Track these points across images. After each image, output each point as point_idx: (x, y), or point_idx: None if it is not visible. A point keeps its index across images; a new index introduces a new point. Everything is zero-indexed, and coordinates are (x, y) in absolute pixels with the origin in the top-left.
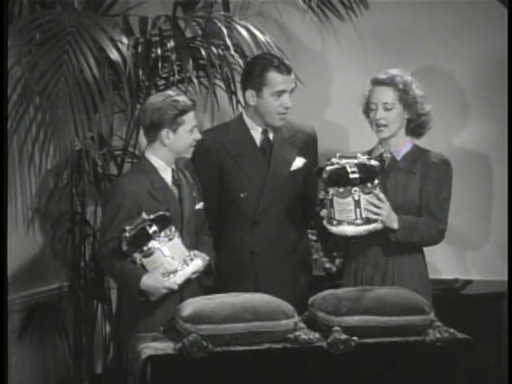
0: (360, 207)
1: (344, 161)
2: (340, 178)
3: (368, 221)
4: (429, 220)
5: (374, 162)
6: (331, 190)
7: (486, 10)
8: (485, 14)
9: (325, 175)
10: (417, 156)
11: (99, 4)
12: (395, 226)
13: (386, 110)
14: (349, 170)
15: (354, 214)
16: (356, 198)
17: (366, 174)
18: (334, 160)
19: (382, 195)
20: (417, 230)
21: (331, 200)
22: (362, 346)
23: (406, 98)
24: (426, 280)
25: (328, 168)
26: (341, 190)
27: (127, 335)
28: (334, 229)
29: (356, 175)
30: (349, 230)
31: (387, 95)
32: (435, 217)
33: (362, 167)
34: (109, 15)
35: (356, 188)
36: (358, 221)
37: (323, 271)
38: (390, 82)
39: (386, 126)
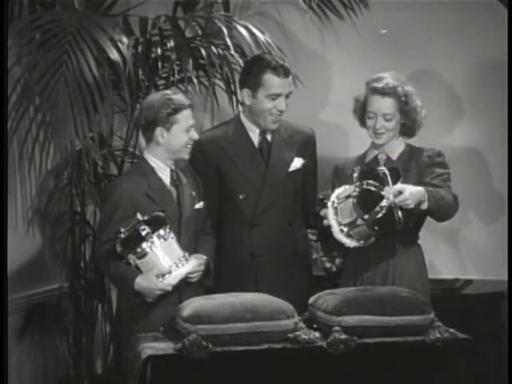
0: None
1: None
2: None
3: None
4: (440, 189)
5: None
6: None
7: (486, 10)
8: (485, 14)
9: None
10: (411, 154)
11: (99, 4)
12: (424, 198)
13: (386, 120)
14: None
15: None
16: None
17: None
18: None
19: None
20: (441, 198)
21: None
22: (362, 346)
23: (407, 109)
24: (426, 280)
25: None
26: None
27: (127, 335)
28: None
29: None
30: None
31: (388, 106)
32: (443, 186)
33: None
34: (109, 15)
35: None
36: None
37: (323, 271)
38: (391, 93)
39: (383, 133)
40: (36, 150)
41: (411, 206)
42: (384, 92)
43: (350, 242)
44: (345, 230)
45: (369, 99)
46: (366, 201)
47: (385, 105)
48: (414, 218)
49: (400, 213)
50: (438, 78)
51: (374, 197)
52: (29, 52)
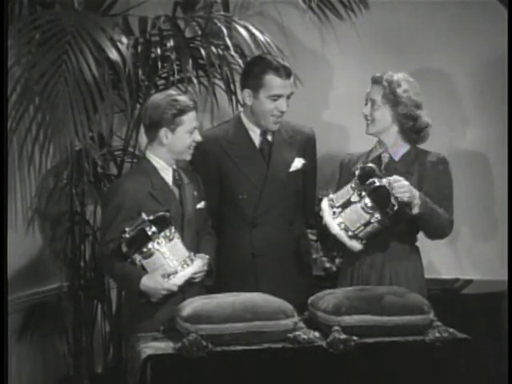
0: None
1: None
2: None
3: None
4: (439, 208)
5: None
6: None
7: (486, 10)
8: (485, 14)
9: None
10: (415, 157)
11: (99, 4)
12: (416, 201)
13: (373, 106)
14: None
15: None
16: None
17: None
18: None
19: (396, 177)
20: (435, 208)
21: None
22: (361, 346)
23: (389, 97)
24: (422, 280)
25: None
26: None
27: (129, 335)
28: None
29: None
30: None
31: (374, 92)
32: (442, 207)
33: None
34: (108, 15)
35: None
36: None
37: (323, 271)
38: (378, 81)
39: (371, 121)
40: (36, 149)
41: (406, 195)
42: (374, 81)
43: (333, 223)
44: (335, 206)
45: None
46: (367, 174)
47: (372, 91)
48: (405, 217)
49: (396, 200)
50: (438, 78)
51: (374, 174)
52: (28, 52)
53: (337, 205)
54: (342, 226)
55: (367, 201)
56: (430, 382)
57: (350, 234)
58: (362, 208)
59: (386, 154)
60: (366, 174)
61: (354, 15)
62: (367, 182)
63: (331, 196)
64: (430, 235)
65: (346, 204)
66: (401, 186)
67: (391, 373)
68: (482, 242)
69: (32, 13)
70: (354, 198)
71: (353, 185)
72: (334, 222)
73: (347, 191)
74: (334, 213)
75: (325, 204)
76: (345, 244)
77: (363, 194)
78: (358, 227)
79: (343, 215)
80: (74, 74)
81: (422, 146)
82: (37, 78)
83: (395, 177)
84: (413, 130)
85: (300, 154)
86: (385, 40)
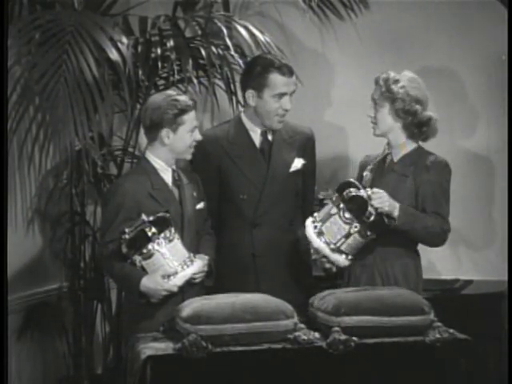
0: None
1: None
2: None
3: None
4: (432, 217)
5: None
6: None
7: (486, 10)
8: (485, 14)
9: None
10: (416, 158)
11: (99, 4)
12: (396, 212)
13: (375, 108)
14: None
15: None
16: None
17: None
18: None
19: (375, 189)
20: (418, 219)
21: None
22: (361, 347)
23: (386, 95)
24: (414, 283)
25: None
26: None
27: (129, 336)
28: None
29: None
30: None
31: (374, 93)
32: (437, 215)
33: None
34: (108, 15)
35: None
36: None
37: (323, 271)
38: (376, 80)
39: (375, 123)
40: (36, 149)
41: (386, 204)
42: (374, 82)
43: (315, 238)
44: (316, 221)
45: None
46: (344, 185)
47: (373, 92)
48: (384, 228)
49: (375, 210)
50: (438, 78)
51: (351, 185)
52: (28, 52)
53: (318, 219)
54: (324, 239)
55: (344, 210)
56: (429, 382)
57: (332, 247)
58: (340, 218)
59: (390, 156)
60: (344, 186)
61: (354, 15)
62: (344, 193)
63: (315, 214)
64: (423, 243)
65: (327, 217)
66: (379, 197)
67: (391, 373)
68: (483, 242)
69: (32, 13)
70: (333, 210)
71: (333, 198)
72: (316, 236)
73: (328, 206)
74: (316, 227)
75: (308, 221)
76: (328, 257)
77: (341, 205)
78: (339, 239)
79: (324, 229)
80: (74, 74)
81: (429, 147)
82: (37, 78)
83: (374, 189)
84: (413, 124)
85: (300, 154)
86: (385, 40)
